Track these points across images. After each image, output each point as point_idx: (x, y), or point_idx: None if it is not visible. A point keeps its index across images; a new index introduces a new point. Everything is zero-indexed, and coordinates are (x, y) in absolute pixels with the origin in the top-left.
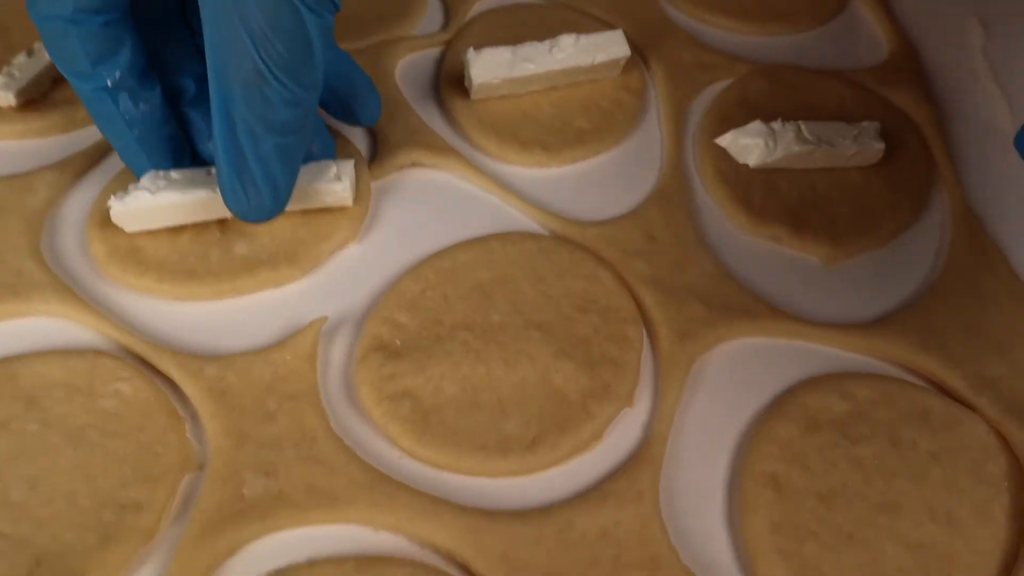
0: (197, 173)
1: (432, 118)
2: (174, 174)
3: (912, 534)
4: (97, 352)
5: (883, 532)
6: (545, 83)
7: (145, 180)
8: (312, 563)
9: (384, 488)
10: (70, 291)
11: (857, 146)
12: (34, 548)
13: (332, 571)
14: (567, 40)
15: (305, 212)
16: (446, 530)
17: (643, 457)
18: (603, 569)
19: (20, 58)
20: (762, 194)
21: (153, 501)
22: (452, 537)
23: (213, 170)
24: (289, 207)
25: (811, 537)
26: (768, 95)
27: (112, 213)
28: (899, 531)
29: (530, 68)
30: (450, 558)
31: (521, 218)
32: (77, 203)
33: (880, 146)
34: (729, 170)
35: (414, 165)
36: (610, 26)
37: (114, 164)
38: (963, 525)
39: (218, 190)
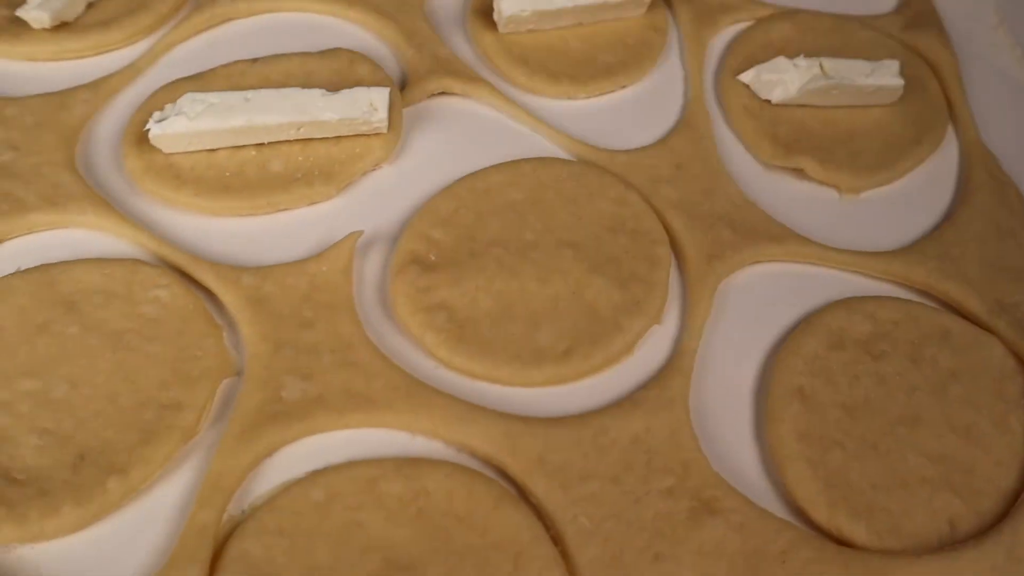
0: (235, 98)
1: (461, 50)
2: (213, 98)
3: (933, 445)
4: (135, 260)
5: (905, 443)
6: (572, 19)
7: (183, 104)
8: (351, 463)
9: (421, 394)
10: (106, 203)
11: (877, 82)
12: (77, 444)
13: (371, 471)
14: None
15: (340, 136)
16: (483, 435)
17: (673, 369)
18: (636, 473)
19: None
20: (786, 128)
21: (192, 401)
22: (489, 441)
23: (249, 95)
24: (327, 133)
25: (836, 446)
26: (790, 37)
27: (151, 136)
28: (921, 442)
29: (559, 1)
30: (487, 461)
31: (550, 146)
32: (110, 121)
33: (899, 83)
34: (753, 105)
35: (443, 93)
36: None
37: (146, 85)
38: (982, 437)
39: (255, 116)
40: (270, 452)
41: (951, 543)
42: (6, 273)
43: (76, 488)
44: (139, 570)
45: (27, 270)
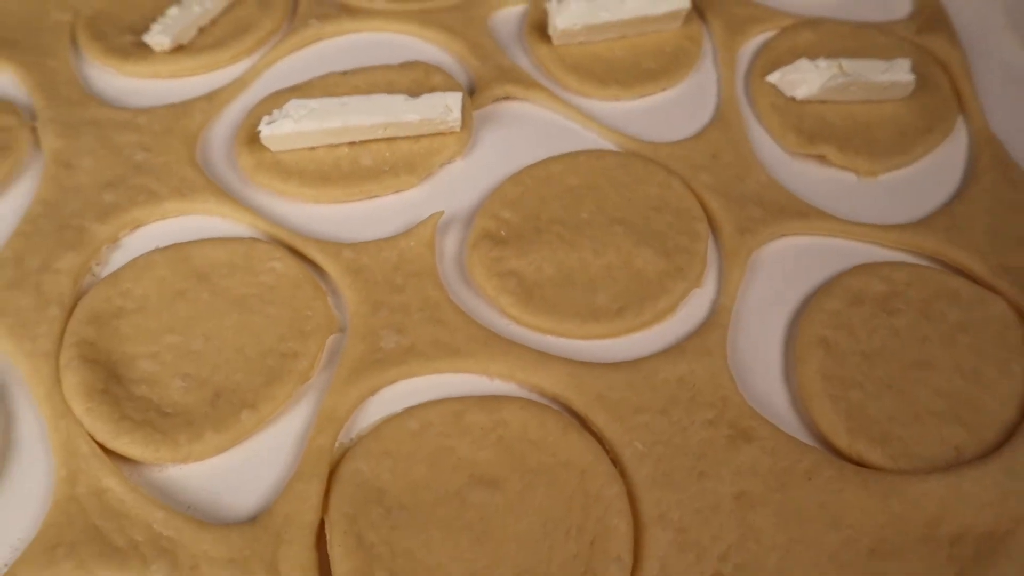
0: (332, 104)
1: (520, 61)
2: (313, 103)
3: (943, 385)
4: (253, 239)
5: (918, 383)
6: (617, 32)
7: (289, 108)
8: (440, 400)
9: (497, 344)
10: (225, 193)
11: (891, 78)
12: (213, 385)
13: (457, 405)
14: None
15: (420, 135)
16: (551, 377)
17: (711, 324)
18: (682, 407)
19: (172, 10)
20: (809, 121)
21: (307, 351)
22: (556, 382)
23: (344, 100)
24: (409, 132)
25: (856, 386)
26: (812, 42)
27: (262, 136)
28: (931, 382)
29: (605, 17)
30: (554, 398)
31: (601, 141)
32: (224, 126)
33: (911, 78)
34: (779, 102)
35: (507, 98)
36: None
37: (252, 96)
38: (987, 379)
39: (349, 118)
40: (372, 392)
41: (957, 464)
42: (146, 251)
43: (215, 419)
44: (270, 484)
45: (164, 248)
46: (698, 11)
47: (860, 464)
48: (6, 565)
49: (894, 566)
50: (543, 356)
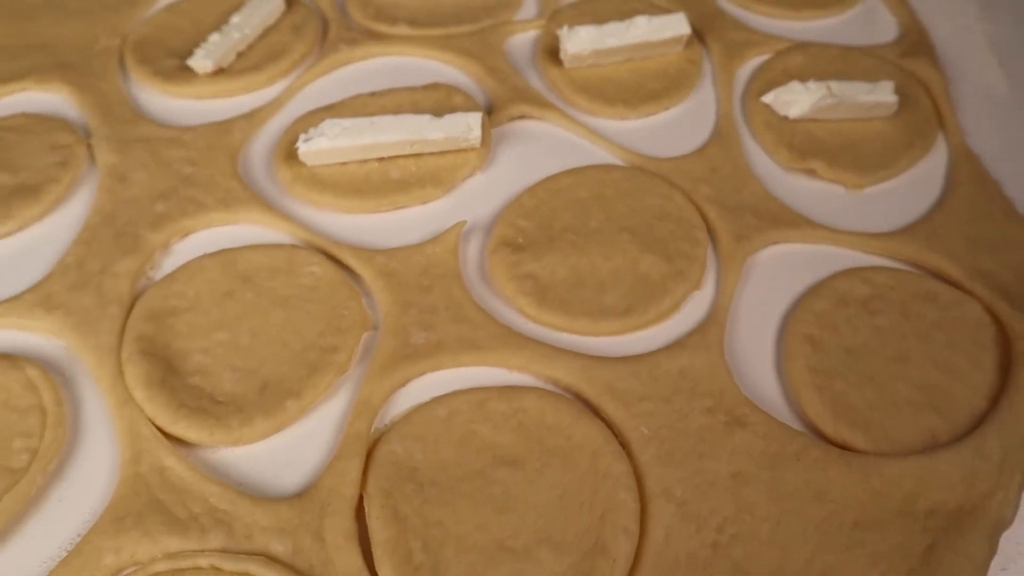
0: (363, 122)
1: (534, 83)
2: (346, 123)
3: (920, 377)
4: (293, 245)
5: (896, 376)
6: (623, 56)
7: (324, 127)
8: (465, 390)
9: (516, 340)
10: (266, 204)
11: (875, 99)
12: (260, 376)
13: (481, 395)
14: (641, 20)
15: (444, 151)
16: (564, 369)
17: (710, 322)
18: (683, 396)
19: (214, 36)
20: (800, 138)
21: (344, 345)
22: (569, 374)
23: (374, 120)
24: (434, 148)
25: (840, 378)
26: (804, 64)
27: (299, 152)
28: (909, 375)
29: (612, 42)
30: (568, 389)
31: (608, 156)
32: (263, 142)
33: (894, 99)
34: (773, 120)
35: (523, 117)
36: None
37: (288, 115)
38: (960, 372)
39: (379, 136)
40: (404, 383)
41: (932, 448)
42: (195, 256)
43: (263, 406)
44: (313, 464)
45: (211, 253)
46: (698, 36)
47: (844, 447)
48: (79, 535)
49: (874, 536)
50: (557, 351)
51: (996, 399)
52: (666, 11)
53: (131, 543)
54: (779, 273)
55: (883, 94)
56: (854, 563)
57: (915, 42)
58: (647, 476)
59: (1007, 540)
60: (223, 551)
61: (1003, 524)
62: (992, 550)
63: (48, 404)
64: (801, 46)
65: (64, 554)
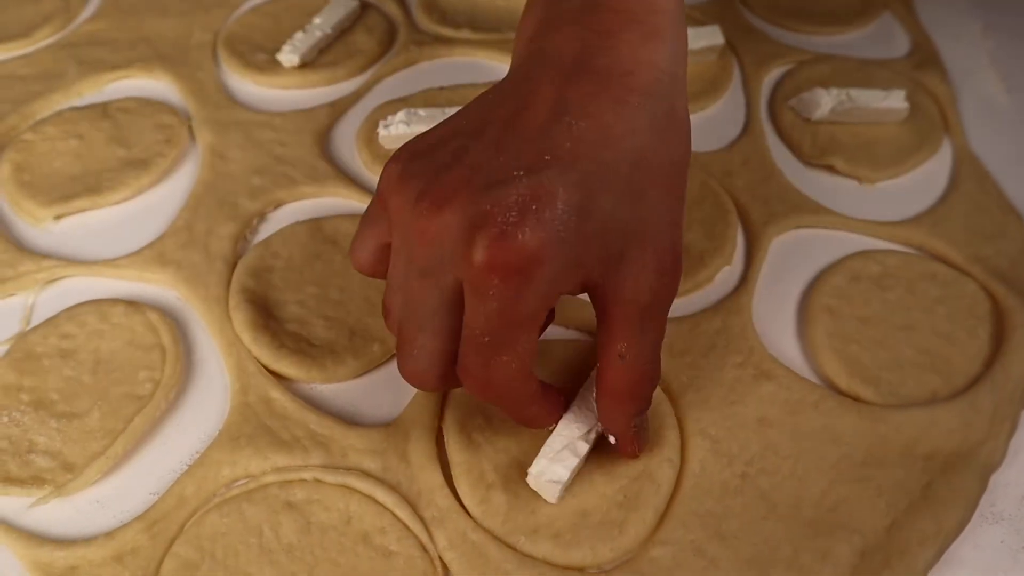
0: (436, 112)
1: None
2: (422, 112)
3: (923, 343)
4: None
5: (903, 342)
6: None
7: (402, 115)
8: None
9: (571, 303)
10: (349, 179)
11: (889, 106)
12: (348, 325)
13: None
14: None
15: None
16: None
17: (740, 291)
18: (718, 351)
19: (298, 34)
20: (821, 138)
21: None
22: None
23: (446, 109)
24: None
25: (853, 342)
26: (825, 74)
27: (379, 136)
28: (914, 342)
29: None
30: None
31: None
32: (345, 128)
33: (905, 106)
34: (797, 122)
35: None
36: None
37: (366, 105)
38: (958, 340)
39: None
40: None
41: (932, 402)
42: (288, 224)
43: (353, 349)
44: (396, 401)
45: (302, 221)
46: (731, 46)
47: (856, 399)
48: (198, 452)
49: (880, 473)
50: None
51: (989, 363)
52: (703, 24)
53: (244, 459)
54: (801, 253)
55: (896, 101)
56: (862, 495)
57: (925, 57)
58: (686, 417)
59: (996, 480)
60: (324, 466)
61: (992, 466)
62: (982, 488)
63: (167, 343)
64: (823, 57)
65: (184, 467)
